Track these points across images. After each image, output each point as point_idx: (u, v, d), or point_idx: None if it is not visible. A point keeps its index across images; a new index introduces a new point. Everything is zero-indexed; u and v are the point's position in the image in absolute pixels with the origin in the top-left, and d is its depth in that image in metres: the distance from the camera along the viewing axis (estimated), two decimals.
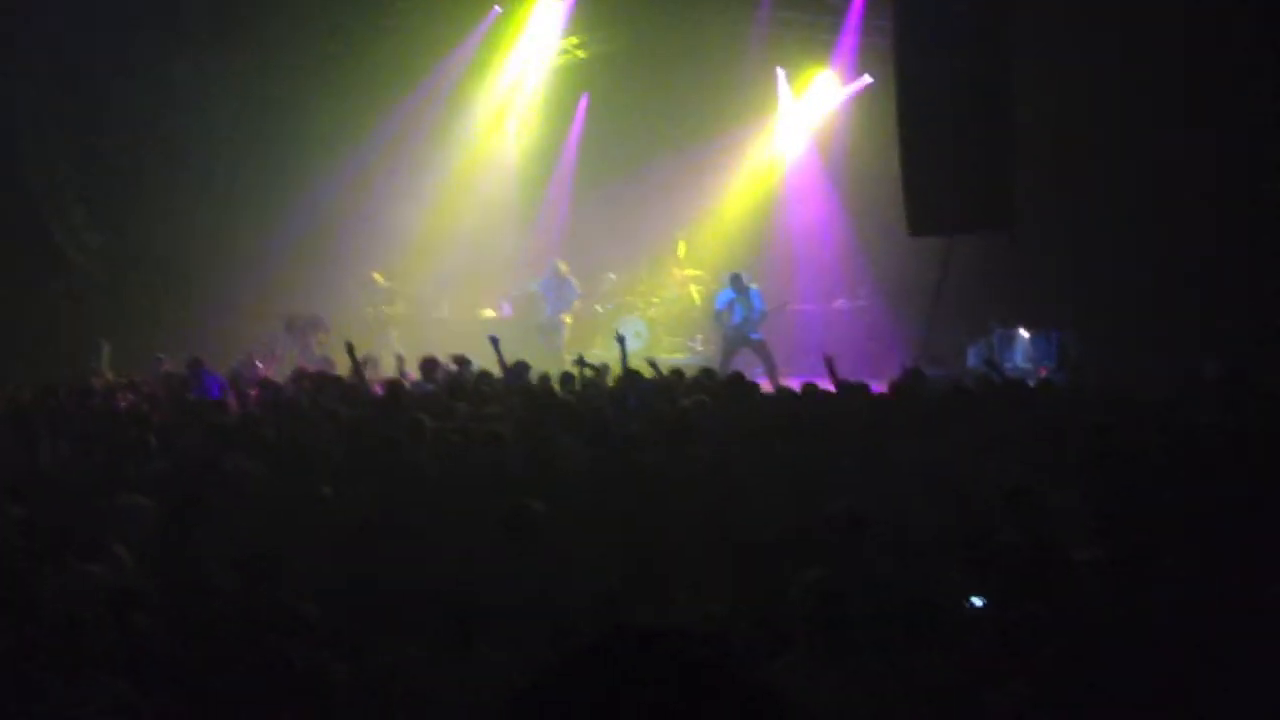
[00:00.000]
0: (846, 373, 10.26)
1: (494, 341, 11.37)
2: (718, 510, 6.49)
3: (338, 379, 11.10)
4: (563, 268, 17.62)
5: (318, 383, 10.93)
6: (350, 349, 10.96)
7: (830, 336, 16.06)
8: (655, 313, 18.38)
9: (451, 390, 10.22)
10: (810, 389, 9.77)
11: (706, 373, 10.93)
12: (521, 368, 11.30)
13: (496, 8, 18.35)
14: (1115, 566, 4.68)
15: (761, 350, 15.21)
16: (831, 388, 9.80)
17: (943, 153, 13.41)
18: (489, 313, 18.39)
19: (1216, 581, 4.68)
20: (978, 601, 4.88)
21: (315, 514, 6.40)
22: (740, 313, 15.57)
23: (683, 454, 7.47)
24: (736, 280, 15.78)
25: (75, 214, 16.47)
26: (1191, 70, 13.42)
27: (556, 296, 17.51)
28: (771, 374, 14.59)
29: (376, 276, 18.06)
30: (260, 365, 14.50)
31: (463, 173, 18.95)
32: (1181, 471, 6.46)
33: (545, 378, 10.94)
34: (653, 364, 11.28)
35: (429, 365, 11.65)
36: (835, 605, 4.42)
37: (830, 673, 4.24)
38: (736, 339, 15.42)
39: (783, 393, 11.04)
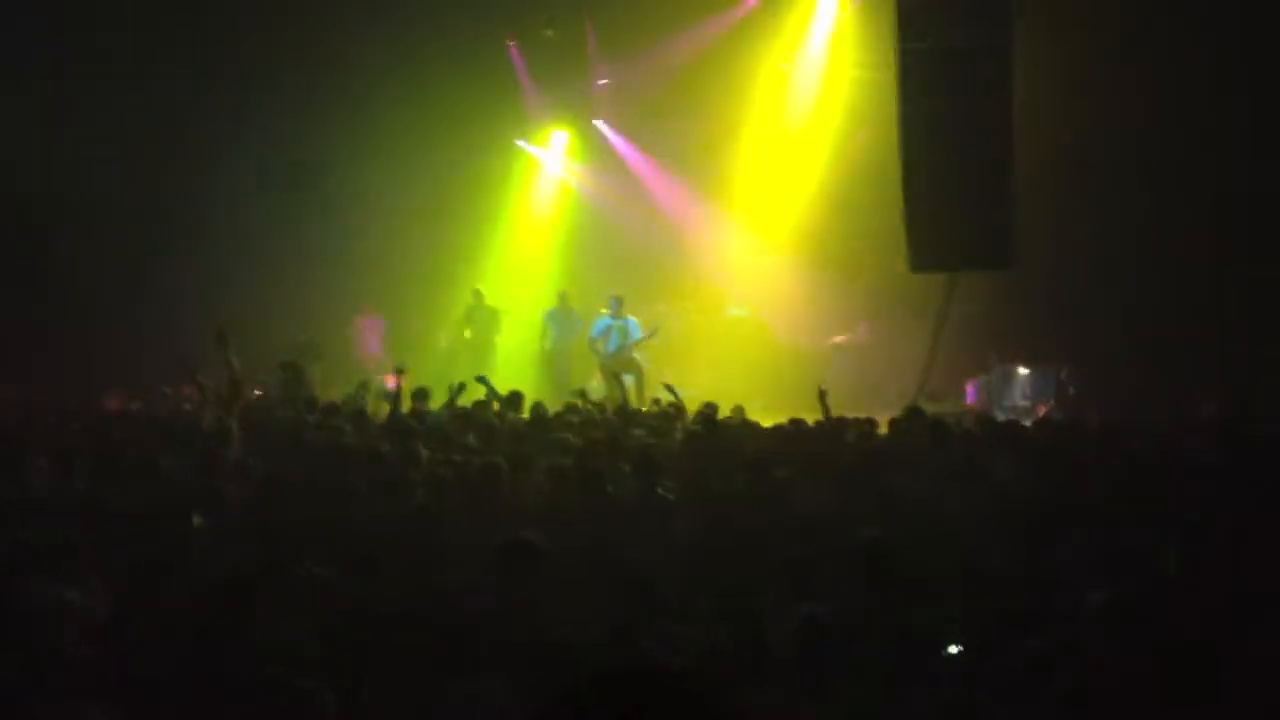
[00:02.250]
0: (846, 409, 10.26)
1: (483, 381, 11.51)
2: (706, 543, 6.46)
3: (335, 406, 11.08)
4: (570, 299, 17.57)
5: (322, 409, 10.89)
6: (400, 370, 11.01)
7: (829, 372, 16.07)
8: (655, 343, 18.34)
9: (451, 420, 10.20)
10: (800, 423, 9.80)
11: (709, 405, 10.92)
12: (515, 398, 11.33)
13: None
14: (1121, 608, 4.64)
15: (633, 368, 15.46)
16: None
17: (944, 190, 13.48)
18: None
19: (1220, 623, 4.64)
20: (954, 649, 4.85)
21: (311, 540, 6.36)
22: (615, 341, 15.82)
23: (671, 486, 7.47)
24: (616, 307, 15.99)
25: (77, 230, 16.42)
26: (1192, 108, 13.51)
27: (562, 327, 17.44)
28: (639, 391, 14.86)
29: (481, 290, 18.03)
30: (258, 393, 14.47)
31: (472, 208, 19.11)
32: (1185, 510, 6.43)
33: (538, 406, 11.00)
34: (670, 389, 11.40)
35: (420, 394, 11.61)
36: (826, 641, 4.39)
37: (817, 708, 4.21)
38: (613, 366, 15.35)
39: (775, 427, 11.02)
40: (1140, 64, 13.79)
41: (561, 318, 17.46)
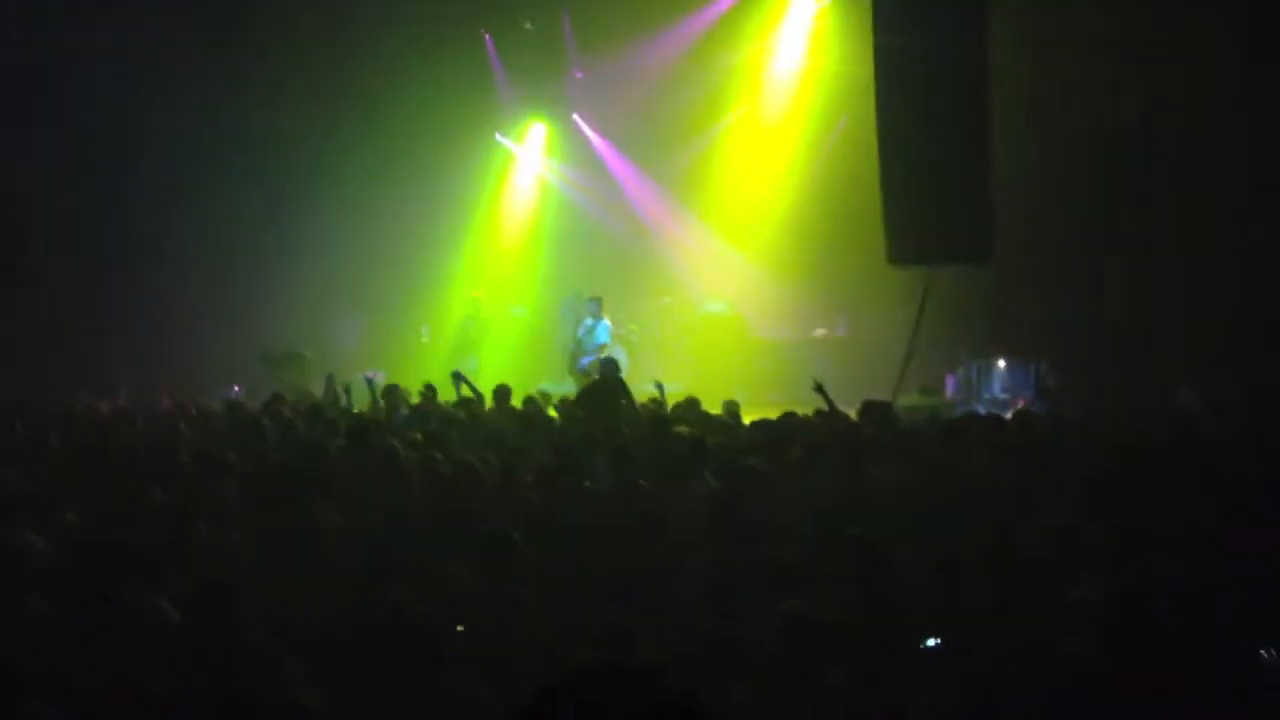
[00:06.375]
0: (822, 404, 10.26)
1: (456, 376, 11.55)
2: (686, 539, 6.48)
3: (315, 408, 11.08)
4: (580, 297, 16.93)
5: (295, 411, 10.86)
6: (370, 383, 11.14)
7: (809, 366, 16.07)
8: (636, 340, 18.34)
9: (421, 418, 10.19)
10: (791, 416, 9.81)
11: (691, 400, 10.94)
12: (503, 393, 11.34)
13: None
14: (1107, 603, 4.68)
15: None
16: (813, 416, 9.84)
17: (922, 184, 13.50)
18: None
19: (1206, 621, 4.68)
20: (932, 642, 4.89)
21: (287, 544, 6.34)
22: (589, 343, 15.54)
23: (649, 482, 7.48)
24: (594, 309, 15.61)
25: (52, 229, 16.31)
26: (1170, 105, 13.60)
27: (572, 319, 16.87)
28: None
29: (478, 295, 17.88)
30: (238, 389, 14.48)
31: (451, 203, 19.04)
32: (1165, 503, 6.47)
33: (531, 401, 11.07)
34: (659, 387, 11.46)
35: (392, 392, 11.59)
36: (808, 637, 4.41)
37: (799, 704, 4.23)
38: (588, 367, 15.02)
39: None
40: (1117, 56, 13.86)
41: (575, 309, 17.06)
